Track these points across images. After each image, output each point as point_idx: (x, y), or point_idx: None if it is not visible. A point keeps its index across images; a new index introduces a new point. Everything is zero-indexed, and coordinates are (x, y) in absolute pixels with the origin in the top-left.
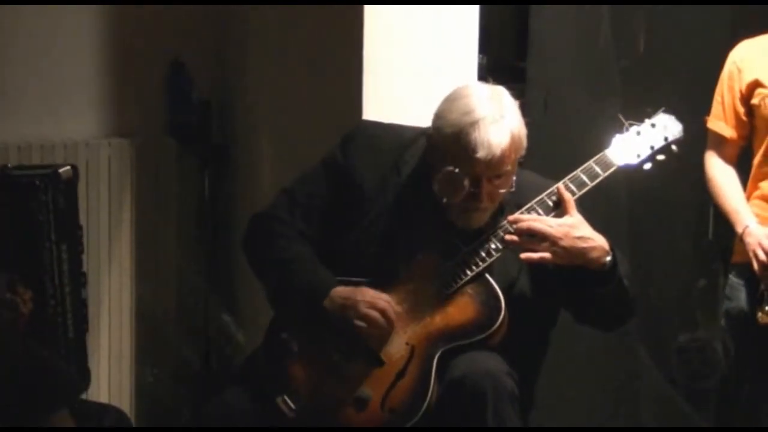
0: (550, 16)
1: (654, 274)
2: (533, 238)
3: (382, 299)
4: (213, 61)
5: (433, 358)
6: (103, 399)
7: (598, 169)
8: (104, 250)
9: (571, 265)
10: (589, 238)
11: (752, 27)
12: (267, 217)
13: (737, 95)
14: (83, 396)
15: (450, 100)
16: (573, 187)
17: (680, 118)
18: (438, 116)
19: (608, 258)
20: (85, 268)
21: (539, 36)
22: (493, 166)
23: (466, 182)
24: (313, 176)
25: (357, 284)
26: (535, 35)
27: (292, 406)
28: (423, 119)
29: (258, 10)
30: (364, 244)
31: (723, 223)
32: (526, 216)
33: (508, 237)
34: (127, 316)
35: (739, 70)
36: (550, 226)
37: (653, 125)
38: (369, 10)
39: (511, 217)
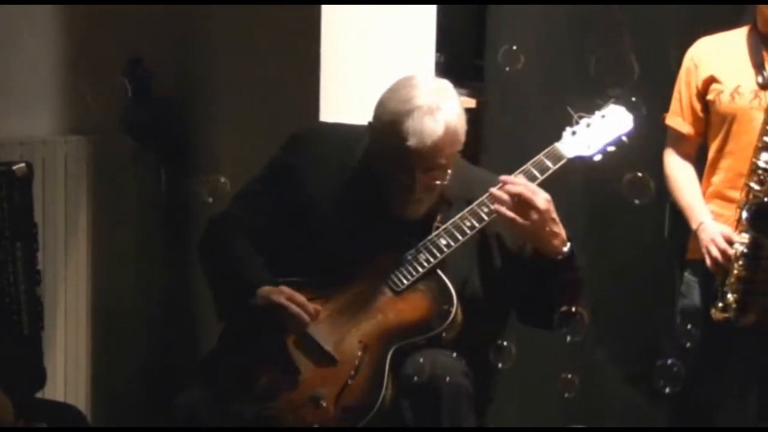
0: (507, 15)
1: (610, 272)
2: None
3: (298, 296)
4: (172, 59)
5: (387, 356)
6: (59, 397)
7: (548, 163)
8: (60, 248)
9: (532, 242)
10: (558, 224)
11: (709, 25)
12: (216, 221)
13: (694, 91)
14: (39, 394)
15: (392, 90)
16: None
17: (640, 116)
18: (378, 104)
19: (565, 248)
20: (40, 266)
21: (497, 35)
22: (425, 155)
23: (402, 172)
24: (261, 179)
25: (299, 284)
26: (493, 34)
27: (250, 407)
28: None
29: (217, 8)
30: (314, 243)
31: (680, 220)
32: (519, 180)
33: (495, 192)
34: (83, 314)
35: (696, 67)
36: (538, 197)
37: (603, 117)
38: (326, 9)
39: (503, 177)
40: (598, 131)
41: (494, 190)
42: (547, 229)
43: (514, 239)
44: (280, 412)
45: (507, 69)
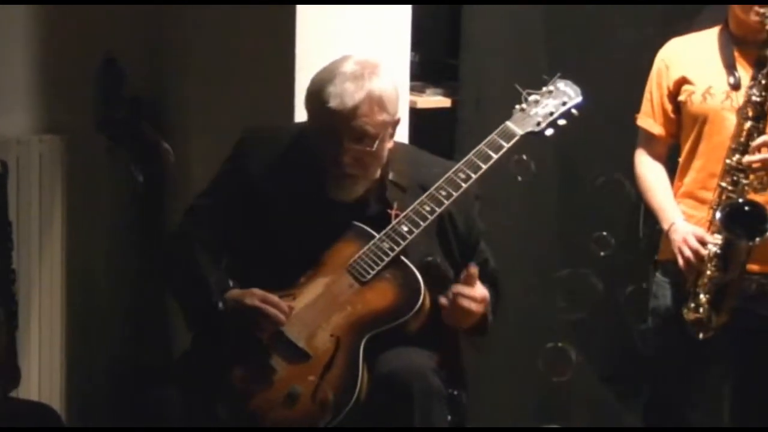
0: (482, 15)
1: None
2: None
3: (270, 296)
4: (146, 58)
5: (359, 347)
6: (33, 397)
7: (501, 141)
8: (35, 247)
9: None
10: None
11: (685, 25)
12: (173, 237)
13: (665, 92)
14: (13, 394)
15: (324, 66)
16: (479, 162)
17: (615, 117)
18: (309, 81)
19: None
20: (15, 265)
21: (471, 35)
22: (347, 118)
23: (329, 140)
24: (214, 188)
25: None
26: (468, 34)
27: (227, 408)
28: None
29: (192, 8)
30: (273, 244)
31: (653, 221)
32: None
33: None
34: (57, 313)
35: (667, 68)
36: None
37: (550, 92)
38: (301, 9)
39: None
40: (547, 106)
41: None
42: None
43: (464, 220)
44: (258, 410)
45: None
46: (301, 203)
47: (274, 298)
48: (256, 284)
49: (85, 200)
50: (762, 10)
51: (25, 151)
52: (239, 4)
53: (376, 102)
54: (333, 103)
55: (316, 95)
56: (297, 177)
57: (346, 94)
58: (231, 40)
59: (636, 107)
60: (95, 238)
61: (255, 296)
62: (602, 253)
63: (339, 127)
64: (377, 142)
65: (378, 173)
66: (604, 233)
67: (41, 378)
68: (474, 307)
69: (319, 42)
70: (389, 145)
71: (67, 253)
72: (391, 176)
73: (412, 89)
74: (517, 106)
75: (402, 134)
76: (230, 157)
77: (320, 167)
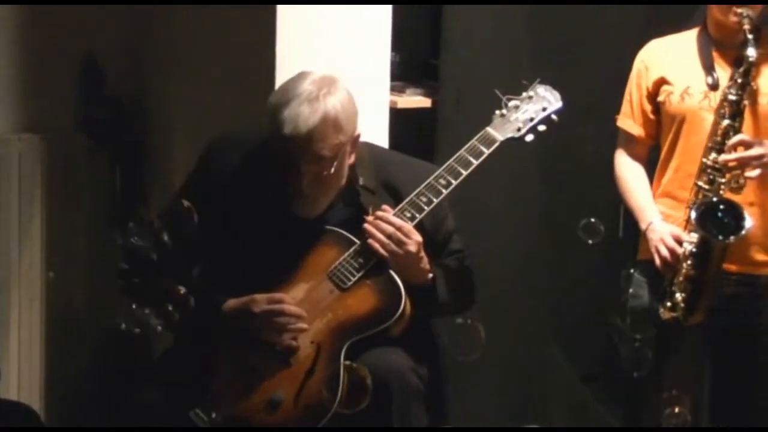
0: (463, 15)
1: (565, 271)
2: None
3: (276, 294)
4: (127, 57)
5: (341, 353)
6: (13, 397)
7: (482, 147)
8: (14, 247)
9: (396, 272)
10: (425, 261)
11: (667, 26)
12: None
13: (644, 93)
14: None
15: (280, 86)
16: (459, 168)
17: (597, 117)
18: (267, 101)
19: (427, 277)
20: None
21: (452, 34)
22: (302, 143)
23: (285, 163)
24: (182, 195)
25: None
26: (448, 34)
27: (204, 417)
28: None
29: (173, 8)
30: (242, 252)
31: (633, 221)
32: (395, 219)
33: (369, 228)
34: (37, 313)
35: (647, 68)
36: (410, 241)
37: (530, 97)
38: (282, 9)
39: (378, 213)
40: (527, 111)
41: (368, 225)
42: (413, 267)
43: (432, 219)
44: (241, 415)
45: (590, 242)
46: (267, 214)
47: (279, 296)
48: (226, 291)
49: (64, 199)
50: (740, 11)
51: (4, 150)
52: (220, 4)
53: (332, 124)
54: (287, 129)
55: (272, 120)
56: (264, 187)
57: (301, 118)
58: (212, 39)
59: (617, 108)
60: (75, 238)
61: (260, 301)
62: (590, 241)
63: (294, 150)
64: (335, 163)
65: (342, 183)
66: (593, 219)
67: (20, 377)
68: (391, 231)
69: (299, 42)
70: (350, 161)
71: (47, 252)
72: (361, 181)
73: (393, 89)
74: (497, 112)
75: (382, 134)
76: (198, 166)
77: (278, 182)
